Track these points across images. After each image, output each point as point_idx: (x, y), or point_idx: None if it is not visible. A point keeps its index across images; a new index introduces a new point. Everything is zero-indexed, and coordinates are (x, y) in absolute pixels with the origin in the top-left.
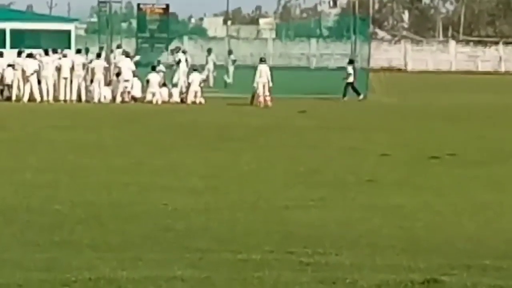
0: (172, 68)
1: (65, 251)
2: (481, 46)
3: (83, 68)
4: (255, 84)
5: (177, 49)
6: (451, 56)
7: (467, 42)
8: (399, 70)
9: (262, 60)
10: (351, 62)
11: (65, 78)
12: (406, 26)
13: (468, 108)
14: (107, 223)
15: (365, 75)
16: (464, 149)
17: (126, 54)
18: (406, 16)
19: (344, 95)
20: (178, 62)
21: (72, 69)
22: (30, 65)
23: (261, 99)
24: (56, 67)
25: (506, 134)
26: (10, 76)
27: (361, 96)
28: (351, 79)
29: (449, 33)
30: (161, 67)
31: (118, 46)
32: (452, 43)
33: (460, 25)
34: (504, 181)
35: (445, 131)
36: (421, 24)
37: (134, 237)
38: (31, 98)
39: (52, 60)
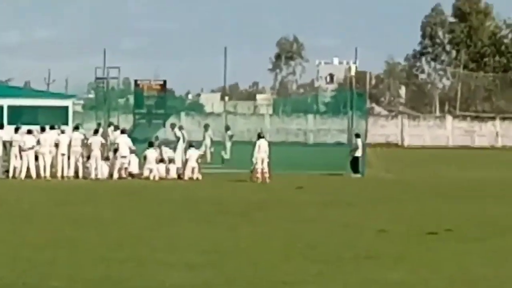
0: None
1: None
2: (477, 121)
3: (82, 144)
4: (253, 159)
5: (173, 126)
6: (448, 131)
7: (464, 117)
8: (396, 145)
9: (260, 136)
10: (358, 135)
11: (63, 155)
12: (403, 101)
13: (465, 183)
14: None
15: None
16: (461, 224)
17: (122, 131)
18: (403, 91)
19: (356, 171)
20: (178, 139)
21: (69, 145)
22: (27, 141)
23: (259, 174)
24: (55, 143)
25: (502, 209)
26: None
27: (359, 175)
28: (358, 153)
29: (446, 109)
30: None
31: (110, 124)
32: (449, 118)
33: (456, 100)
34: (501, 255)
35: (442, 207)
36: (418, 100)
37: None
38: (28, 175)
39: (50, 136)
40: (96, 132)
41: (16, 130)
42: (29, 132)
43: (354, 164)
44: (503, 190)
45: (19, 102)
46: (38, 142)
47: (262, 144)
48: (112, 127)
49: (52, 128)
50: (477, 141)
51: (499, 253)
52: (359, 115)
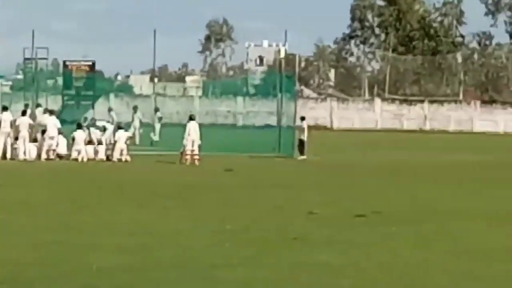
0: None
1: None
2: (406, 105)
3: (10, 125)
4: (184, 141)
5: (110, 109)
6: (377, 114)
7: (393, 101)
8: (325, 128)
9: (191, 118)
10: (303, 118)
11: None
12: (332, 84)
13: (394, 166)
14: (34, 283)
15: (292, 133)
16: (390, 207)
17: (51, 112)
18: (332, 74)
19: (301, 153)
20: (113, 122)
21: None
22: None
23: (188, 156)
24: None
25: (431, 192)
26: None
27: (304, 157)
28: (304, 136)
29: (375, 92)
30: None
31: (38, 105)
32: (377, 101)
33: (385, 83)
34: (430, 239)
35: (371, 189)
36: (347, 83)
37: None
38: None
39: None
40: (24, 113)
41: None
42: None
43: (300, 146)
44: (432, 173)
45: None
46: None
47: (193, 126)
48: (40, 108)
49: None
50: (406, 124)
51: (428, 236)
52: (288, 97)
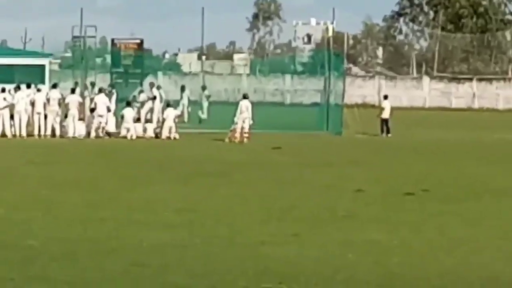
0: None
1: (40, 287)
2: (454, 83)
3: (59, 103)
4: (235, 119)
5: (152, 85)
6: (425, 92)
7: (441, 79)
8: (373, 106)
9: (244, 96)
10: (386, 97)
11: (39, 113)
12: (380, 62)
13: (442, 144)
14: (83, 259)
15: (340, 111)
16: (439, 185)
17: (100, 90)
18: (380, 52)
19: (383, 132)
20: (154, 98)
21: (46, 104)
22: (1, 100)
23: (238, 134)
24: (30, 101)
25: (480, 170)
26: None
27: (390, 135)
28: (386, 115)
29: (423, 70)
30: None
31: (92, 84)
32: (426, 79)
33: (434, 61)
34: (480, 217)
35: (420, 167)
36: (395, 60)
37: (110, 273)
38: (3, 134)
39: (26, 95)
40: (73, 91)
41: None
42: (3, 90)
43: (385, 125)
44: (480, 151)
45: None
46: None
47: (246, 105)
48: (95, 88)
49: (28, 86)
50: (454, 103)
51: (477, 214)
52: (336, 75)
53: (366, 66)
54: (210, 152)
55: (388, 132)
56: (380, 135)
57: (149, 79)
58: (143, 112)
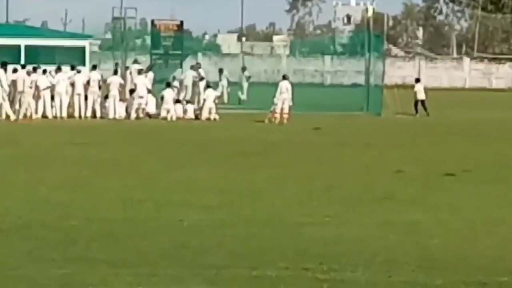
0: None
1: (81, 267)
2: (495, 63)
3: (99, 84)
4: (275, 100)
5: (197, 66)
6: (465, 73)
7: (481, 59)
8: (413, 87)
9: (284, 77)
10: (417, 80)
11: (79, 94)
12: (420, 43)
13: (483, 125)
14: (123, 239)
15: (380, 91)
16: (480, 165)
17: (139, 71)
18: (420, 33)
19: (417, 112)
20: (201, 79)
21: (87, 85)
22: (43, 81)
23: (278, 115)
24: (71, 83)
25: None
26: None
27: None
28: (421, 96)
29: (463, 50)
30: (175, 83)
31: (135, 61)
32: (466, 60)
33: (474, 42)
34: None
35: (460, 148)
36: (435, 41)
37: (150, 253)
38: (44, 115)
39: (68, 77)
40: (115, 72)
41: (34, 70)
42: (44, 72)
43: (420, 106)
44: None
45: (36, 42)
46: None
47: (285, 86)
48: (136, 66)
49: (72, 68)
50: (495, 83)
51: None
52: (376, 56)
53: (406, 47)
54: (249, 133)
55: (426, 111)
56: (415, 116)
57: (189, 60)
58: (194, 94)
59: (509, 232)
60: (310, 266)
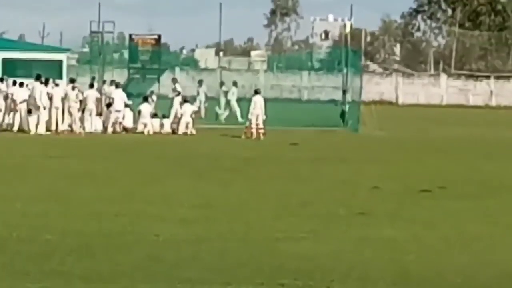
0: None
1: (56, 281)
2: (472, 80)
3: (76, 98)
4: (249, 115)
5: (174, 80)
6: (442, 89)
7: (459, 76)
8: (391, 103)
9: (256, 92)
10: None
11: (57, 108)
12: (397, 59)
13: (459, 141)
14: (98, 253)
15: (357, 107)
16: (455, 182)
17: (116, 85)
18: (398, 49)
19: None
20: (178, 94)
21: (63, 98)
22: (20, 94)
23: (253, 130)
24: (48, 96)
25: (496, 167)
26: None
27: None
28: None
29: (441, 67)
30: (153, 97)
31: (112, 82)
32: (443, 76)
33: (451, 59)
34: (495, 214)
35: (436, 164)
36: (413, 58)
37: (125, 267)
38: (21, 128)
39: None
40: (91, 86)
41: (14, 83)
42: (21, 85)
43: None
44: (497, 149)
45: (14, 55)
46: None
47: (258, 100)
48: (108, 82)
49: (46, 82)
50: (472, 100)
51: (493, 211)
52: (354, 72)
53: (384, 63)
54: (226, 148)
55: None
56: None
57: (166, 74)
58: (173, 110)
59: (484, 248)
60: (286, 281)
